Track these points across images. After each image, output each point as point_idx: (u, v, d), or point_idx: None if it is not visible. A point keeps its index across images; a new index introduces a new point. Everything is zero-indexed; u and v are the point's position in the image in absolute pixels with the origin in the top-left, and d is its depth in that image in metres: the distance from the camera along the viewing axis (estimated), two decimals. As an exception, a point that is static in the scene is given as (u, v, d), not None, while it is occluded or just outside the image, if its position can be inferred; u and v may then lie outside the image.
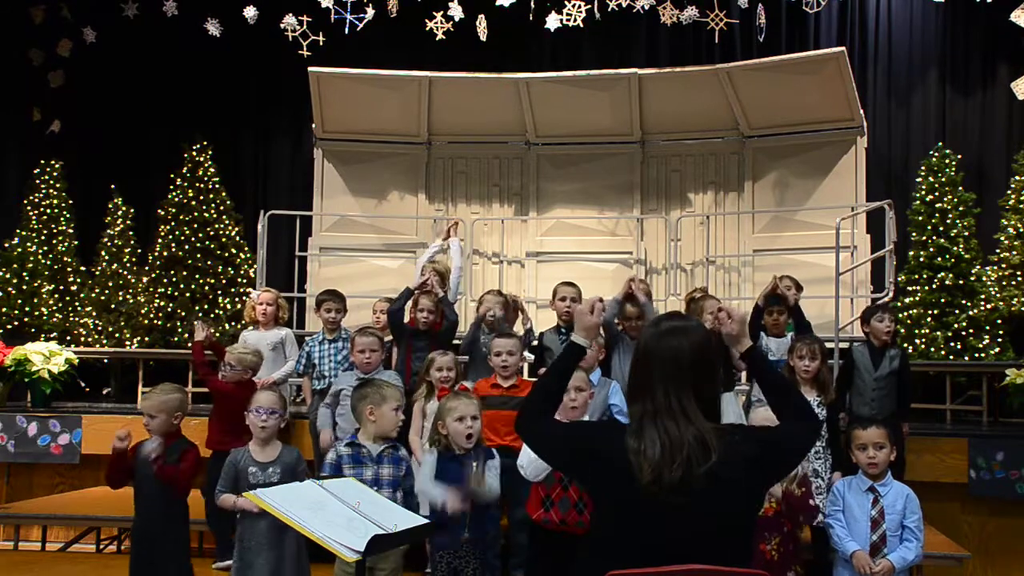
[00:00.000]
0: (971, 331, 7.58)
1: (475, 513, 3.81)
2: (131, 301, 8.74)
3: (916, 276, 7.93)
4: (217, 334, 8.41)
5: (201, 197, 8.93)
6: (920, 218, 8.03)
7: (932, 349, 7.60)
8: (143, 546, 4.01)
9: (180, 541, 4.03)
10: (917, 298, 7.84)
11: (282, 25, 8.59)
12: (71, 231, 9.39)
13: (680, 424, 2.17)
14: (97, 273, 9.08)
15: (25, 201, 9.34)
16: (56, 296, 8.99)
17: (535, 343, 5.92)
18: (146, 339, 8.48)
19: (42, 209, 9.27)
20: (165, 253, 8.76)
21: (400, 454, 3.94)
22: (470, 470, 3.81)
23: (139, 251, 9.21)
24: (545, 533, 3.88)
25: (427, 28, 8.49)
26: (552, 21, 8.35)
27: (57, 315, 8.88)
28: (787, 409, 2.40)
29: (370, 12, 8.41)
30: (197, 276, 8.69)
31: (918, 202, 8.08)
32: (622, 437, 2.22)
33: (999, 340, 7.56)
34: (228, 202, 9.15)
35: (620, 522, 2.17)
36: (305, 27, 8.62)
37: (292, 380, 6.63)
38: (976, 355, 7.52)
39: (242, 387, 5.16)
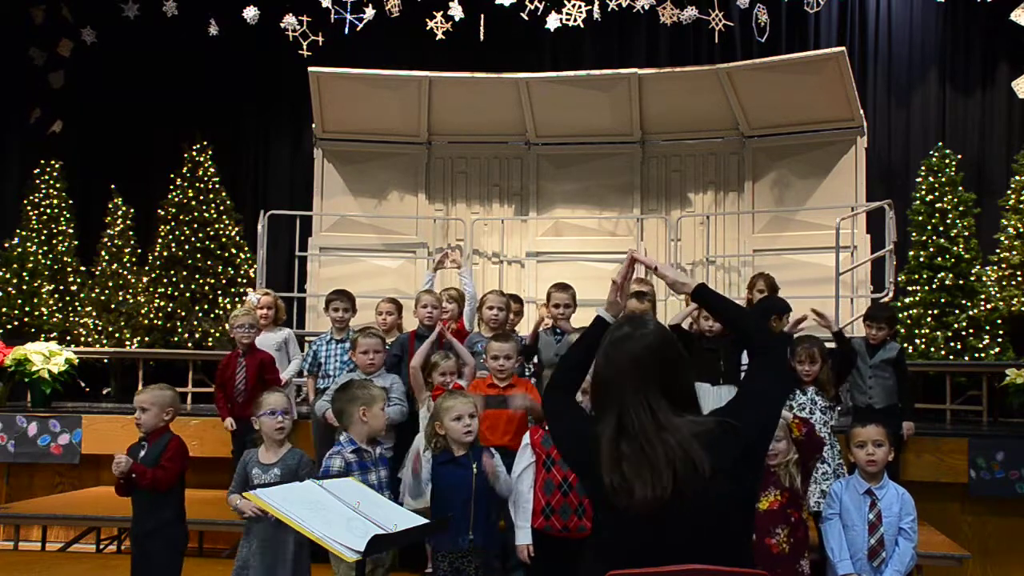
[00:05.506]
0: (971, 331, 7.58)
1: (478, 516, 3.79)
2: (131, 301, 8.74)
3: (916, 276, 7.93)
4: (218, 333, 8.43)
5: (201, 197, 8.94)
6: (920, 218, 8.03)
7: (932, 349, 7.60)
8: (137, 546, 4.01)
9: (172, 541, 3.98)
10: (917, 298, 7.84)
11: (282, 25, 8.59)
12: (71, 231, 9.39)
13: (657, 435, 2.08)
14: (97, 273, 9.08)
15: (25, 201, 9.34)
16: (56, 296, 8.99)
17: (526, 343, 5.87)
18: (146, 339, 8.49)
19: (42, 209, 9.27)
20: (165, 253, 8.77)
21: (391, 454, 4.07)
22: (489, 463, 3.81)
23: (139, 251, 9.21)
24: (547, 540, 3.84)
25: (427, 28, 8.49)
26: (552, 21, 8.34)
27: (57, 315, 8.88)
28: (750, 342, 2.35)
29: (370, 12, 8.40)
30: (197, 276, 8.70)
31: (918, 202, 8.08)
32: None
33: (999, 340, 7.56)
34: (228, 202, 9.16)
35: (618, 526, 2.15)
36: (305, 27, 8.61)
37: (295, 380, 6.61)
38: (976, 355, 7.52)
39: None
